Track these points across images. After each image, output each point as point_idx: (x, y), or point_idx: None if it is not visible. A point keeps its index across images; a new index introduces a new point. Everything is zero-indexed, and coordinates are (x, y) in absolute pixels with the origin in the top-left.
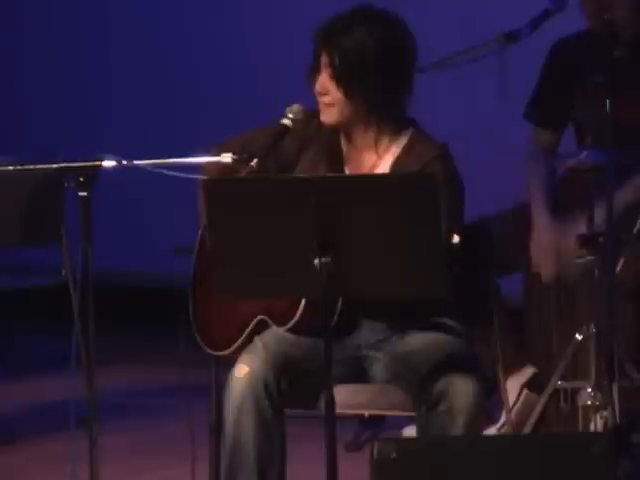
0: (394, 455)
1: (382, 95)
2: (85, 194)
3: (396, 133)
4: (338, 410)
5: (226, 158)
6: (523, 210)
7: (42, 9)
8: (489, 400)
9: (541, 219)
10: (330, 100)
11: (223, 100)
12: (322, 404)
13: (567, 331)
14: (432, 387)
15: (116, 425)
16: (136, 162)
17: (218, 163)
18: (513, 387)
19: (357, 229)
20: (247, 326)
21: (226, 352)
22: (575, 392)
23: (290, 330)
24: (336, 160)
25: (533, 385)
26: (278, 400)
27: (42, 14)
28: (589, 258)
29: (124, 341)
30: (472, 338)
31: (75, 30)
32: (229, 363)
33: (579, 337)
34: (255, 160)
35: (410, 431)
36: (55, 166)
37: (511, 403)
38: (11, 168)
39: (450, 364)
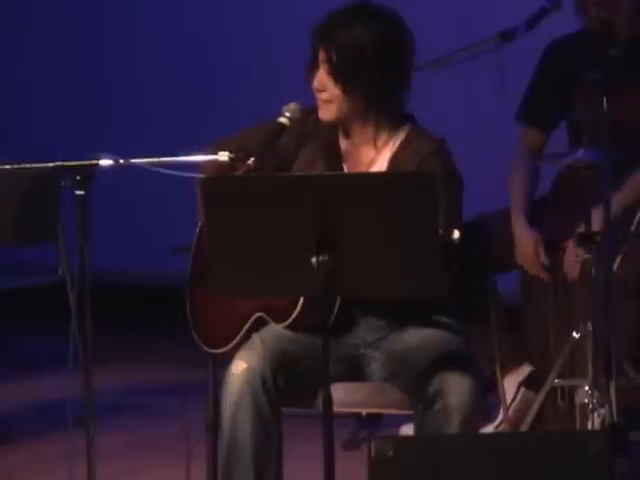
0: (391, 453)
1: (380, 91)
2: (82, 193)
3: (394, 129)
4: (335, 408)
5: (223, 156)
6: None
7: (42, 9)
8: (486, 398)
9: (519, 230)
10: (328, 96)
11: (220, 99)
12: (319, 402)
13: (564, 329)
14: (428, 385)
15: (113, 424)
16: (133, 161)
17: (215, 162)
18: (510, 385)
19: (354, 227)
20: (245, 323)
21: (224, 349)
22: (572, 390)
23: (288, 327)
24: (334, 156)
25: (530, 383)
26: (275, 397)
27: (42, 14)
28: (586, 256)
29: (121, 340)
30: (468, 336)
31: (74, 30)
32: (226, 361)
33: (576, 335)
34: (252, 158)
35: (407, 429)
36: (52, 165)
37: (508, 401)
38: (8, 167)
39: (446, 362)
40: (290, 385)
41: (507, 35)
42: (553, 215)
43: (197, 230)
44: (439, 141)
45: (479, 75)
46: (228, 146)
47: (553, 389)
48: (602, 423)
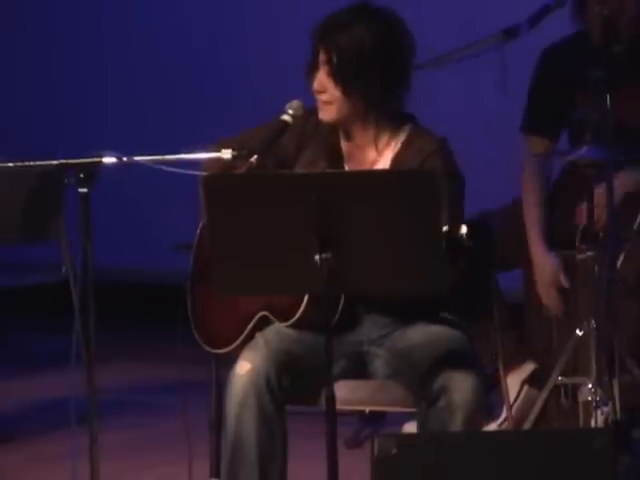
0: (394, 451)
1: (380, 92)
2: (85, 190)
3: (395, 129)
4: (338, 406)
5: (226, 154)
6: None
7: (42, 8)
8: (489, 396)
9: (538, 257)
10: (328, 98)
11: (222, 99)
12: (323, 401)
13: (567, 327)
14: (432, 383)
15: (116, 422)
16: (136, 158)
17: (217, 160)
18: (514, 383)
19: (357, 225)
20: (249, 323)
21: (227, 349)
22: (576, 388)
23: (292, 326)
24: (335, 157)
25: (534, 381)
26: (280, 396)
27: (42, 13)
28: (589, 254)
29: (124, 338)
30: (472, 334)
31: (74, 30)
32: (229, 359)
33: (579, 333)
34: (255, 156)
35: (411, 427)
36: (55, 163)
37: (512, 399)
38: (11, 165)
39: (450, 360)
40: (294, 385)
41: (510, 33)
42: (559, 212)
43: (199, 228)
44: (441, 140)
45: (481, 73)
46: (229, 145)
47: (556, 387)
48: (605, 421)
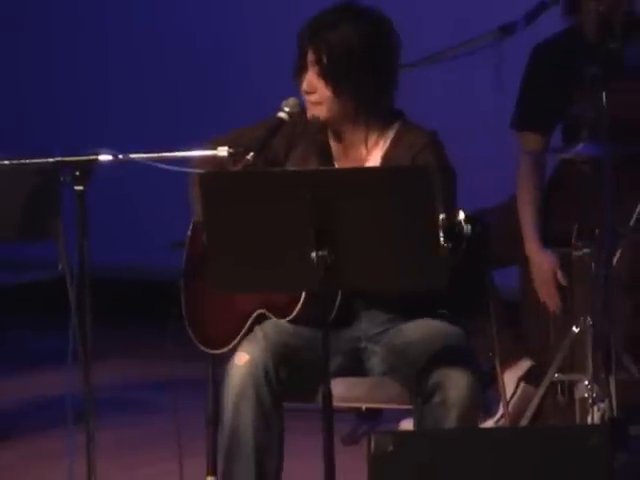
0: (391, 448)
1: (370, 91)
2: (81, 188)
3: (384, 127)
4: (335, 403)
5: (222, 152)
6: None
7: (41, 8)
8: (486, 393)
9: (534, 255)
10: (318, 98)
11: (223, 97)
12: (320, 397)
13: (564, 324)
14: (427, 379)
15: (113, 420)
16: (132, 156)
17: (207, 159)
18: (510, 380)
19: (353, 222)
20: (246, 321)
21: (225, 349)
22: (572, 385)
23: (290, 321)
24: (325, 157)
25: (530, 378)
26: (277, 389)
27: (40, 13)
28: (585, 251)
29: (121, 335)
30: (468, 330)
31: (73, 29)
32: (225, 357)
33: (576, 330)
34: (251, 153)
35: (407, 424)
36: (51, 160)
37: (508, 396)
38: (7, 163)
39: (446, 357)
40: (292, 378)
41: (506, 30)
42: (555, 209)
43: (191, 225)
44: (431, 133)
45: (477, 70)
46: (223, 144)
47: (553, 384)
48: (602, 417)
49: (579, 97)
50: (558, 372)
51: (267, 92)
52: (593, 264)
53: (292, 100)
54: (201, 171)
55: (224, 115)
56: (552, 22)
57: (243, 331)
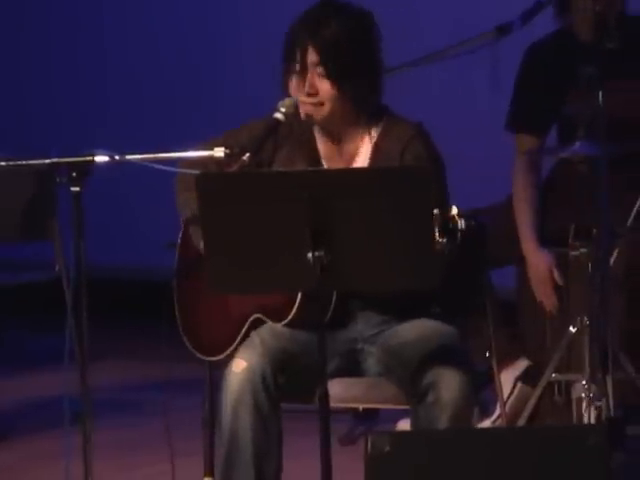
0: (388, 448)
1: (366, 86)
2: (77, 189)
3: (372, 122)
4: (332, 404)
5: (219, 152)
6: None
7: (40, 8)
8: (483, 393)
9: (531, 254)
10: (320, 99)
11: (219, 98)
12: (317, 398)
13: (561, 324)
14: (421, 380)
15: (110, 421)
16: (128, 157)
17: (195, 159)
18: (507, 380)
19: (349, 222)
20: (242, 327)
21: (222, 356)
22: (569, 385)
23: (287, 325)
24: (313, 155)
25: (527, 378)
26: (275, 394)
27: (39, 13)
28: (582, 251)
29: (117, 336)
30: (463, 330)
31: (72, 29)
32: (223, 359)
33: (573, 330)
34: (247, 154)
35: (404, 424)
36: (47, 161)
37: (505, 396)
38: (3, 164)
39: (439, 357)
40: (290, 383)
41: (502, 29)
42: (552, 209)
43: (182, 227)
44: (417, 125)
45: (474, 70)
46: (218, 145)
47: (550, 384)
48: (599, 417)
49: (574, 97)
50: (555, 372)
51: (262, 92)
52: (590, 264)
53: (288, 100)
54: (197, 172)
55: (219, 115)
56: (548, 22)
57: (240, 337)
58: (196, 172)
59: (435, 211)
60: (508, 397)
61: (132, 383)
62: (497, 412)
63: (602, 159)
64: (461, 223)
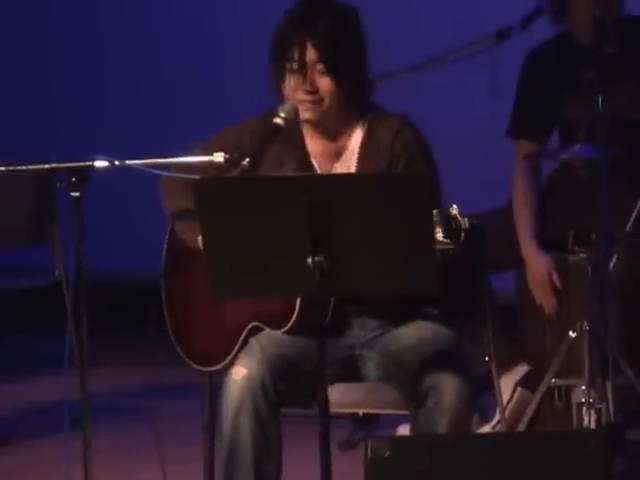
0: (388, 453)
1: (361, 81)
2: (77, 194)
3: (361, 116)
4: (332, 409)
5: (218, 157)
6: None
7: (38, 8)
8: (483, 399)
9: (530, 258)
10: (320, 96)
11: (218, 99)
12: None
13: (561, 328)
14: (420, 384)
15: (109, 426)
16: (128, 162)
17: (186, 165)
18: (507, 385)
19: (350, 227)
20: (239, 336)
21: (220, 366)
22: (569, 389)
23: (286, 332)
24: (302, 153)
25: (527, 383)
26: (275, 400)
27: (38, 14)
28: (582, 256)
29: (118, 341)
30: (461, 333)
31: (71, 29)
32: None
33: (573, 335)
34: (247, 159)
35: (404, 430)
36: (47, 166)
37: (505, 401)
38: (3, 169)
39: (438, 361)
40: (290, 389)
41: (502, 34)
42: (552, 214)
43: (168, 231)
44: (405, 116)
45: (474, 75)
46: (212, 148)
47: (550, 389)
48: (599, 422)
49: (573, 101)
50: (555, 377)
51: (261, 92)
52: (589, 269)
53: (288, 105)
54: (197, 177)
55: (218, 115)
56: (547, 27)
57: (237, 346)
58: (195, 177)
59: (435, 211)
60: (508, 402)
61: (132, 388)
62: (497, 417)
63: (602, 162)
64: (464, 222)
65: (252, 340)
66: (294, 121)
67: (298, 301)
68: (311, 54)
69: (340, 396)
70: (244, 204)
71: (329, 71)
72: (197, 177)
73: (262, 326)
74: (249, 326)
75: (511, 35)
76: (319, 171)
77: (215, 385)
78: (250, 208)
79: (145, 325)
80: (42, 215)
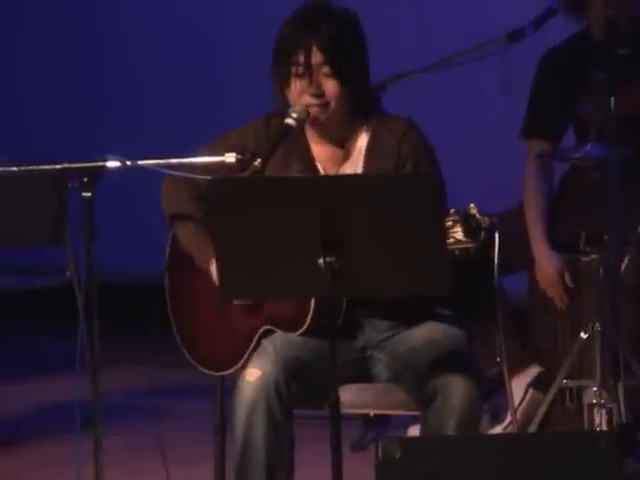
0: (399, 454)
1: (366, 83)
2: (89, 195)
3: (365, 118)
4: (343, 410)
5: (230, 158)
6: None
7: (38, 8)
8: (494, 400)
9: (541, 257)
10: (326, 99)
11: (221, 99)
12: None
13: (572, 330)
14: (428, 385)
15: (120, 426)
16: (140, 162)
17: (202, 164)
18: (519, 386)
19: (361, 228)
20: (251, 340)
21: (232, 370)
22: (581, 391)
23: (301, 334)
24: (307, 157)
25: (539, 384)
26: (288, 402)
27: (38, 14)
28: (594, 257)
29: (128, 341)
30: (471, 333)
31: (71, 30)
32: None
33: (584, 336)
34: (259, 160)
35: (415, 430)
36: (59, 167)
37: (517, 403)
38: (15, 169)
39: (446, 362)
40: (303, 390)
41: (514, 35)
42: (564, 215)
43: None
44: (409, 119)
45: (486, 76)
46: (217, 150)
47: (561, 390)
48: (610, 423)
49: (585, 99)
50: (566, 378)
51: (265, 91)
52: (601, 270)
53: (299, 107)
54: (208, 178)
55: (222, 115)
56: (560, 28)
57: (250, 349)
58: (207, 178)
59: (452, 210)
60: (519, 403)
61: (142, 388)
62: (508, 418)
63: (613, 162)
64: (484, 221)
65: (265, 342)
66: (305, 122)
67: (312, 303)
68: (316, 57)
69: (351, 397)
70: (255, 205)
71: (335, 73)
72: (207, 178)
73: (275, 329)
74: (261, 329)
75: (523, 36)
76: None
77: (225, 386)
78: (261, 209)
79: (149, 325)
80: (54, 216)
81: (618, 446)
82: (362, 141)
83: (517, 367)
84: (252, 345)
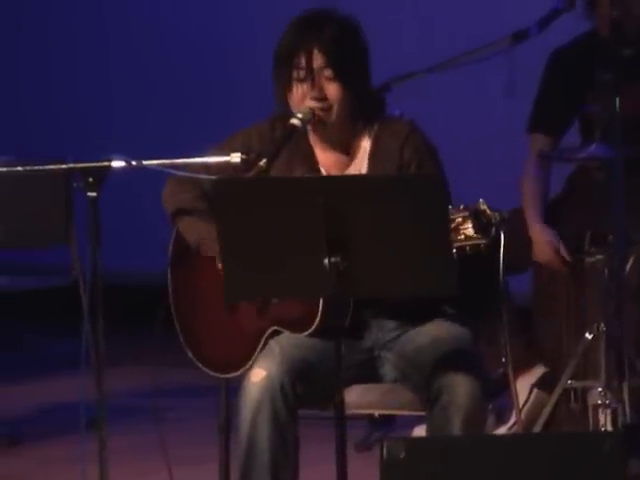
0: (403, 454)
1: (368, 86)
2: (94, 195)
3: (368, 121)
4: (348, 410)
5: (235, 158)
6: None
7: (39, 8)
8: (499, 400)
9: (537, 234)
10: (329, 102)
11: (229, 98)
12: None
13: (577, 330)
14: (433, 384)
15: (125, 426)
16: (145, 162)
17: (206, 164)
18: (523, 387)
19: (366, 228)
20: (258, 341)
21: (240, 372)
22: (585, 391)
23: (309, 334)
24: (310, 160)
25: (543, 384)
26: (293, 403)
27: (39, 13)
28: (598, 257)
29: (133, 342)
30: (476, 332)
31: (72, 30)
32: None
33: (589, 336)
34: (264, 160)
35: (420, 431)
36: (64, 167)
37: (521, 403)
38: (20, 169)
39: (451, 361)
40: (308, 391)
41: (519, 36)
42: (569, 215)
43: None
44: (411, 121)
45: (490, 76)
46: (224, 152)
47: (566, 390)
48: (615, 424)
49: (591, 99)
50: (571, 378)
51: (272, 92)
52: (606, 270)
53: (305, 108)
54: (212, 178)
55: (232, 115)
56: (565, 28)
57: (258, 350)
58: (212, 178)
59: (462, 206)
60: (524, 404)
61: (147, 389)
62: (513, 419)
63: (617, 162)
64: (495, 216)
65: (272, 342)
66: (310, 122)
67: (321, 303)
68: (318, 60)
69: (356, 397)
70: (260, 205)
71: (337, 76)
72: (212, 178)
73: (282, 330)
74: (269, 330)
75: (528, 37)
76: None
77: (229, 387)
78: (266, 209)
79: (153, 325)
80: (59, 216)
81: (623, 447)
82: (365, 145)
83: (522, 367)
84: (260, 347)
